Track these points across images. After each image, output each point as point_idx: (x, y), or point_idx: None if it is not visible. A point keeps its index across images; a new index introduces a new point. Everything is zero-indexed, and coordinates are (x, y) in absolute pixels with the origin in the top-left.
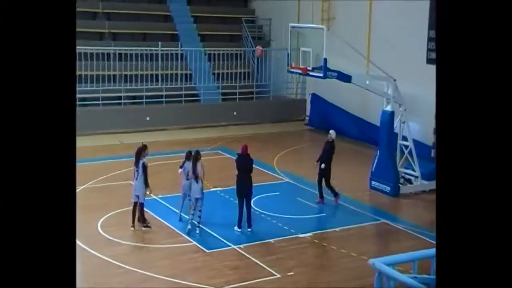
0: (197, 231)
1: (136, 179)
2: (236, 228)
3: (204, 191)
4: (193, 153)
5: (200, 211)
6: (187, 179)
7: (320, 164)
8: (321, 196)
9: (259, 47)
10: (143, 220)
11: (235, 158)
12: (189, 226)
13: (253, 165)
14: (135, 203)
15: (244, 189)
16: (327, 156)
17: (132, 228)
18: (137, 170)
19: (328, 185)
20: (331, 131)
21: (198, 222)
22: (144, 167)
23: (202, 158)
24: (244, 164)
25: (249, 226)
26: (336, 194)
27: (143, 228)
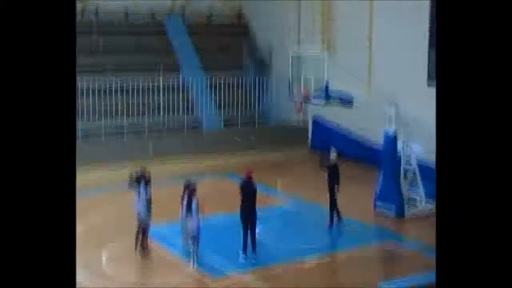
0: (195, 266)
1: (139, 202)
2: (241, 254)
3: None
4: (189, 187)
5: (197, 248)
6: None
7: (330, 190)
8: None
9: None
10: (144, 247)
11: (239, 183)
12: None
13: (257, 190)
14: (139, 227)
15: (249, 215)
16: (333, 178)
17: (136, 252)
18: (138, 192)
19: (335, 207)
20: (332, 152)
21: (196, 257)
22: (146, 190)
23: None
24: (248, 189)
25: (254, 251)
26: (340, 217)
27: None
